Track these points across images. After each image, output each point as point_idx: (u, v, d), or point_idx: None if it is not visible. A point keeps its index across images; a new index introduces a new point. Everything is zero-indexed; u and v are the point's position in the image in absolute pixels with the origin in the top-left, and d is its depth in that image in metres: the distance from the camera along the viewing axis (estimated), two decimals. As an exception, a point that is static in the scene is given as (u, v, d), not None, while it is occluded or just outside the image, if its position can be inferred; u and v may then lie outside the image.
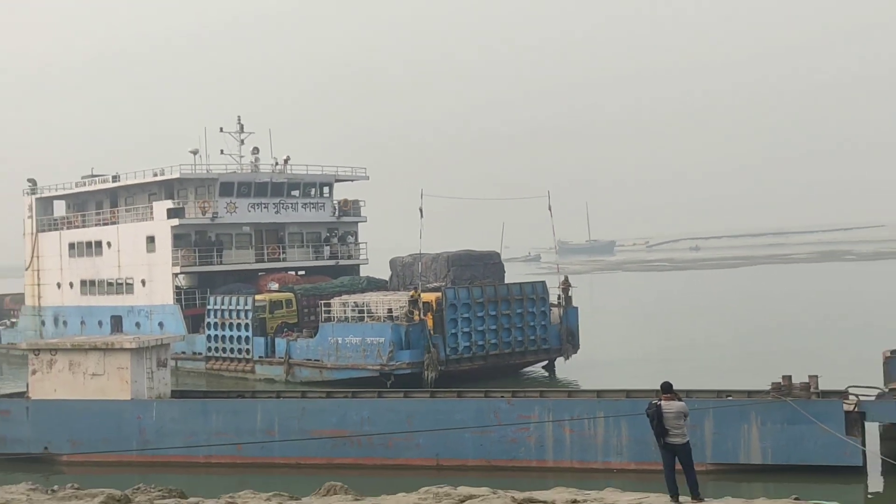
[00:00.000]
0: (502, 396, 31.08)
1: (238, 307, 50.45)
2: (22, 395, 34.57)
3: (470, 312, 45.26)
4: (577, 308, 49.82)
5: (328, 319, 47.10)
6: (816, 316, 74.61)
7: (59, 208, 68.89)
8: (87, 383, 32.59)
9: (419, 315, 43.89)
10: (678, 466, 17.24)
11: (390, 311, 44.95)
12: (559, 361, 49.29)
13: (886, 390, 30.63)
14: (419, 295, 44.54)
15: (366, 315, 45.69)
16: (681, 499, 17.22)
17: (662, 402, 17.13)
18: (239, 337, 50.20)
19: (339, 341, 45.39)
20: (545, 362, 49.47)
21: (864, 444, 26.50)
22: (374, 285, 53.24)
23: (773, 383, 28.17)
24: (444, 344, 44.10)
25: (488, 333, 45.75)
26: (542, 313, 47.90)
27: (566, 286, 49.65)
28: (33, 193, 68.41)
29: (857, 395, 27.72)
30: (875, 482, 26.13)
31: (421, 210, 47.27)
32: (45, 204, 68.62)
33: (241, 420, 31.68)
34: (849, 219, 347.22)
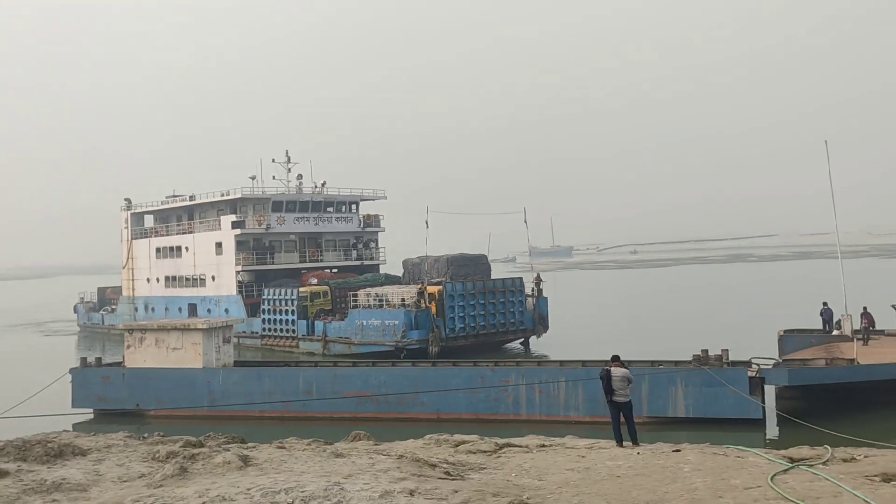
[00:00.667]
0: (487, 365, 31.14)
1: (286, 297, 50.52)
2: (119, 364, 34.64)
3: (464, 301, 45.33)
4: (546, 298, 49.85)
5: (355, 306, 47.14)
6: (727, 303, 74.41)
7: (149, 221, 69.05)
8: (168, 355, 32.67)
9: (425, 303, 43.95)
10: (622, 420, 17.31)
11: (403, 300, 44.99)
12: (533, 339, 49.32)
13: (780, 361, 30.77)
14: (425, 288, 44.61)
15: (384, 303, 45.73)
16: (623, 444, 17.25)
17: (612, 368, 17.24)
18: (286, 320, 50.24)
19: (364, 323, 45.45)
20: (522, 339, 49.45)
21: (763, 402, 26.57)
22: (391, 280, 53.33)
23: (694, 355, 28.22)
24: (445, 325, 44.16)
25: (478, 317, 45.80)
26: (520, 302, 47.94)
27: (538, 281, 49.75)
28: (129, 209, 68.60)
29: (758, 365, 27.79)
30: (772, 431, 26.16)
31: (427, 222, 47.45)
32: (138, 217, 68.79)
33: (287, 384, 31.74)
34: (751, 229, 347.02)
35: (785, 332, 36.68)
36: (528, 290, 49.04)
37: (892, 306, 36.53)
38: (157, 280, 63.86)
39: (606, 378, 17.07)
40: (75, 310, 75.86)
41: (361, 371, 31.93)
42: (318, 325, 48.43)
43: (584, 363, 30.21)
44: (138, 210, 68.23)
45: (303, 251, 57.87)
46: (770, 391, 27.98)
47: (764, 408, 26.37)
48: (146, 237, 66.43)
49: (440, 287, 44.99)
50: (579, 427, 25.72)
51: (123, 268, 68.32)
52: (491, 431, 21.42)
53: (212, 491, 11.08)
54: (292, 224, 56.90)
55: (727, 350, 28.21)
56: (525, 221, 52.25)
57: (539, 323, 48.75)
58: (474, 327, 45.61)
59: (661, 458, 15.97)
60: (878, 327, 35.75)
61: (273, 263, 56.27)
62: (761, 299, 76.08)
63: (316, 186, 58.96)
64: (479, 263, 51.14)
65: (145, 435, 18.50)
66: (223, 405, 31.16)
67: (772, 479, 11.88)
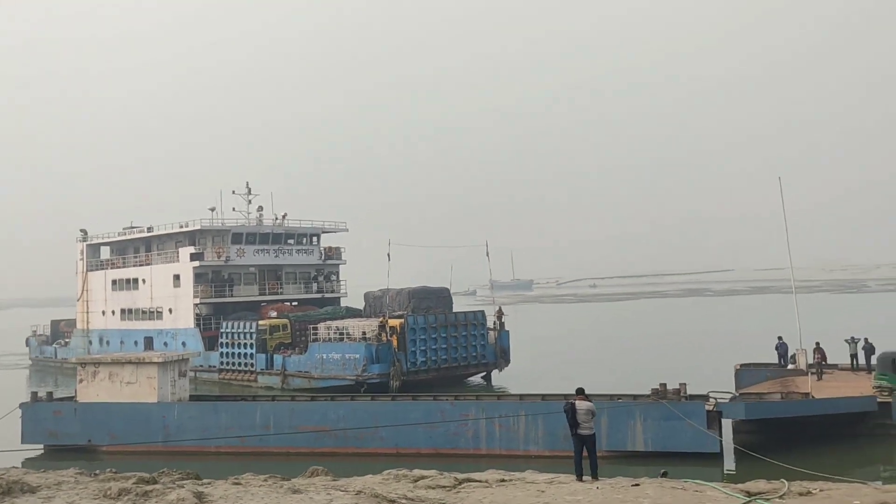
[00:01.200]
0: (447, 399, 30.99)
1: (245, 330, 49.90)
2: (71, 399, 33.84)
3: (426, 335, 45.15)
4: (508, 331, 49.86)
5: (315, 340, 46.68)
6: (685, 337, 74.90)
7: (105, 252, 68.01)
8: (122, 389, 32.01)
9: (387, 336, 43.68)
10: (585, 453, 17.32)
11: (364, 333, 44.68)
12: (495, 373, 49.16)
13: (737, 394, 31.13)
14: (387, 321, 44.38)
15: (345, 336, 45.38)
16: (583, 478, 17.25)
17: (577, 402, 17.30)
18: (245, 353, 49.55)
19: (324, 357, 44.96)
20: (484, 373, 49.31)
21: (720, 436, 26.77)
22: (352, 313, 52.93)
23: (652, 389, 28.40)
24: (406, 359, 43.88)
25: (440, 351, 45.62)
26: (482, 335, 47.89)
27: (500, 314, 49.76)
28: (84, 241, 67.51)
29: (715, 398, 28.05)
30: (730, 465, 26.32)
31: (388, 255, 47.28)
32: (94, 249, 67.75)
33: (243, 418, 31.23)
34: (707, 264, 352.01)
35: (741, 365, 37.18)
36: (489, 324, 49.04)
37: (846, 340, 37.34)
38: (113, 313, 62.69)
39: (571, 411, 17.12)
40: (27, 343, 74.08)
41: (320, 405, 31.54)
42: (278, 358, 47.84)
43: (543, 397, 30.23)
44: (94, 241, 67.15)
45: (262, 284, 57.32)
46: (727, 425, 28.14)
47: (721, 441, 26.55)
48: (102, 269, 65.31)
49: (402, 320, 44.78)
50: (539, 461, 25.68)
51: (78, 300, 66.99)
52: (451, 466, 21.27)
53: (164, 529, 10.80)
54: (252, 256, 56.42)
55: (685, 384, 28.45)
56: (487, 254, 52.45)
57: (501, 356, 48.70)
58: (436, 361, 45.41)
59: (620, 492, 15.99)
60: (830, 361, 36.44)
61: (232, 296, 55.62)
62: (718, 333, 76.79)
63: (276, 218, 58.63)
64: (440, 296, 51.10)
65: (97, 471, 18.03)
66: (178, 440, 30.53)
67: (729, 512, 11.94)
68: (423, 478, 18.18)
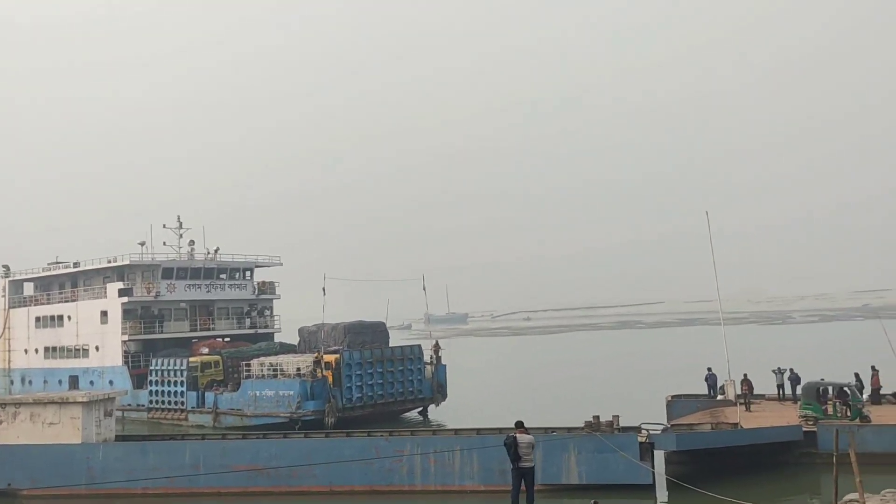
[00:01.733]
0: (381, 435, 30.62)
1: (175, 367, 48.61)
2: (-11, 441, 32.24)
3: (362, 370, 44.61)
4: (445, 365, 49.60)
5: (248, 376, 45.71)
6: (618, 369, 75.81)
7: (28, 289, 65.61)
8: (44, 430, 30.66)
9: (321, 372, 43.01)
10: (523, 488, 17.30)
11: (299, 369, 43.88)
12: (431, 407, 48.85)
13: (669, 426, 31.56)
14: (322, 356, 43.74)
15: (279, 373, 44.51)
16: (518, 512, 17.23)
17: (517, 435, 17.32)
18: (175, 391, 48.21)
19: (258, 394, 44.03)
20: (421, 408, 48.93)
21: (653, 467, 26.96)
22: (286, 349, 52.02)
23: (586, 421, 28.55)
24: (342, 395, 43.25)
25: (376, 386, 45.10)
26: (419, 370, 47.55)
27: (437, 348, 49.51)
28: (6, 276, 65.11)
29: (647, 430, 28.23)
30: (662, 496, 26.56)
31: (324, 289, 46.83)
32: (17, 285, 65.35)
33: (172, 458, 30.17)
34: (639, 297, 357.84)
35: (672, 397, 37.78)
36: (426, 358, 48.82)
37: (773, 371, 38.34)
38: (36, 351, 60.35)
39: (513, 444, 17.12)
40: (-58, 383, 70.68)
41: (251, 443, 30.76)
42: (209, 396, 46.62)
43: (479, 431, 30.06)
44: (17, 278, 64.82)
45: (194, 319, 56.04)
46: (659, 456, 28.33)
47: (653, 473, 26.78)
48: (25, 306, 63.01)
49: (337, 355, 44.21)
50: (474, 496, 25.51)
51: (-1, 338, 64.34)
52: (386, 502, 20.99)
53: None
54: (183, 291, 55.18)
55: (618, 416, 28.60)
56: (424, 288, 52.45)
57: (438, 391, 48.41)
58: (372, 396, 44.87)
59: (554, 525, 16.01)
60: (758, 391, 37.34)
61: (162, 332, 54.21)
62: (650, 365, 77.93)
63: (209, 253, 57.60)
64: (377, 331, 50.69)
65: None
66: (103, 482, 29.35)
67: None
68: (356, 516, 17.92)
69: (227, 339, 56.69)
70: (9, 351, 62.92)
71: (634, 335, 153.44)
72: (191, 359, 49.10)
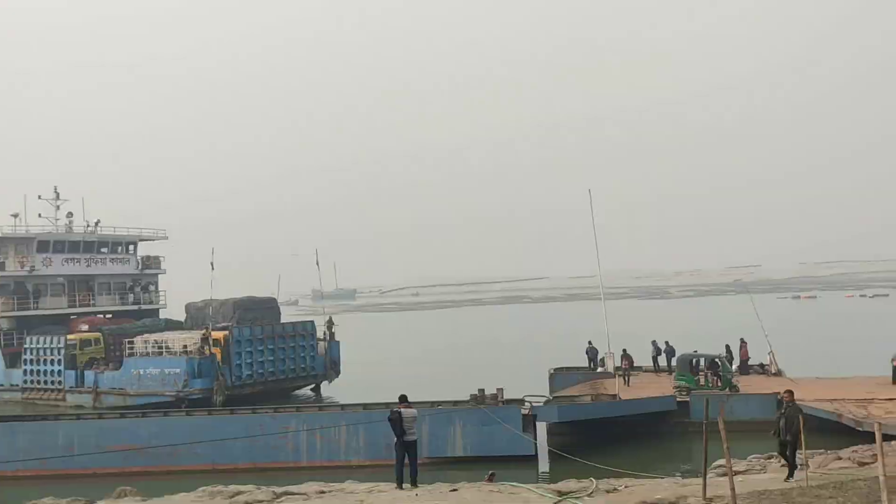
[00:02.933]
0: (266, 412, 30.01)
1: (51, 345, 46.11)
2: None
3: (252, 347, 43.50)
4: (339, 342, 48.98)
5: (132, 354, 43.78)
6: (503, 343, 76.36)
7: None
8: None
9: (210, 350, 41.56)
10: (406, 461, 17.17)
11: (185, 346, 42.31)
12: (325, 384, 48.16)
13: (551, 398, 32.28)
14: (210, 333, 42.26)
15: (164, 350, 42.81)
16: (403, 485, 17.11)
17: (402, 409, 17.14)
18: (52, 370, 45.74)
19: (142, 373, 42.20)
20: (313, 385, 48.17)
21: (535, 439, 27.52)
22: (172, 326, 49.94)
23: (471, 394, 28.81)
24: (231, 373, 42.01)
25: (266, 363, 44.04)
26: (311, 346, 46.76)
27: (330, 324, 48.78)
28: None
29: (530, 402, 28.77)
30: (544, 466, 27.02)
31: (212, 264, 45.32)
32: None
33: (44, 439, 28.77)
34: (524, 272, 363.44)
35: (555, 370, 38.62)
36: (319, 334, 48.03)
37: (652, 343, 39.73)
38: None
39: (399, 419, 16.91)
40: None
41: (130, 422, 29.66)
42: (89, 375, 44.37)
43: (365, 406, 29.93)
44: None
45: (72, 295, 53.09)
46: (542, 427, 28.86)
47: (536, 444, 27.27)
48: None
49: (226, 332, 42.90)
50: (360, 471, 25.26)
51: None
52: (270, 480, 20.49)
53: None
54: (60, 266, 52.13)
55: (502, 389, 29.01)
56: (317, 263, 51.56)
57: (331, 368, 47.78)
58: (262, 374, 43.82)
59: (439, 497, 15.98)
60: (637, 364, 38.63)
61: (38, 308, 51.13)
62: (535, 339, 79.04)
63: (88, 225, 54.59)
64: (268, 307, 49.54)
65: None
66: (-32, 467, 27.50)
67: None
68: (239, 493, 17.40)
69: (108, 316, 54.05)
70: None
71: (521, 310, 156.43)
72: (69, 336, 46.67)
